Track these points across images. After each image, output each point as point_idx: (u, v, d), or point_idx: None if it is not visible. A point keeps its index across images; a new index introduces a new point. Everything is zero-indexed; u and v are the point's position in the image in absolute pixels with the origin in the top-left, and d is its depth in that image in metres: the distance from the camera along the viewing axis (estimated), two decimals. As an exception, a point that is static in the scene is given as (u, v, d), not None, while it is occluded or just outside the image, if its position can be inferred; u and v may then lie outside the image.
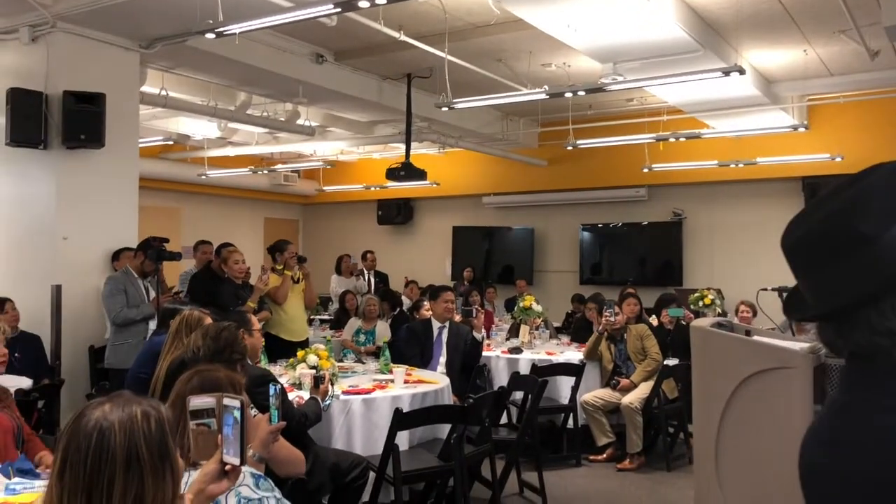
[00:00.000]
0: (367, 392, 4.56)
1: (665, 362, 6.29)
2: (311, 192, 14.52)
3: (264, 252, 8.59)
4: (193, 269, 7.28)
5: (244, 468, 1.87)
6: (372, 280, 10.48)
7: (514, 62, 7.94)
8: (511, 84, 7.83)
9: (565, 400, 6.18)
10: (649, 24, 5.79)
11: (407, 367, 5.37)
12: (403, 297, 9.24)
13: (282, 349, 5.77)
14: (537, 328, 7.74)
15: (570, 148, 9.63)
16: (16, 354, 4.99)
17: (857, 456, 0.95)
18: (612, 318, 6.32)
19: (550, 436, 6.35)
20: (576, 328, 7.95)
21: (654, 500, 5.37)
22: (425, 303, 6.68)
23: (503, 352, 6.85)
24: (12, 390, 3.84)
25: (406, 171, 9.02)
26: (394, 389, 4.72)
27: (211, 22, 5.09)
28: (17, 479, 2.72)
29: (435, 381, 5.02)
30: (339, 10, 4.86)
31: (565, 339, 7.99)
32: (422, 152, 11.50)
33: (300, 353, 4.78)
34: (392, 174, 9.15)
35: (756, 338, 4.13)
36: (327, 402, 4.10)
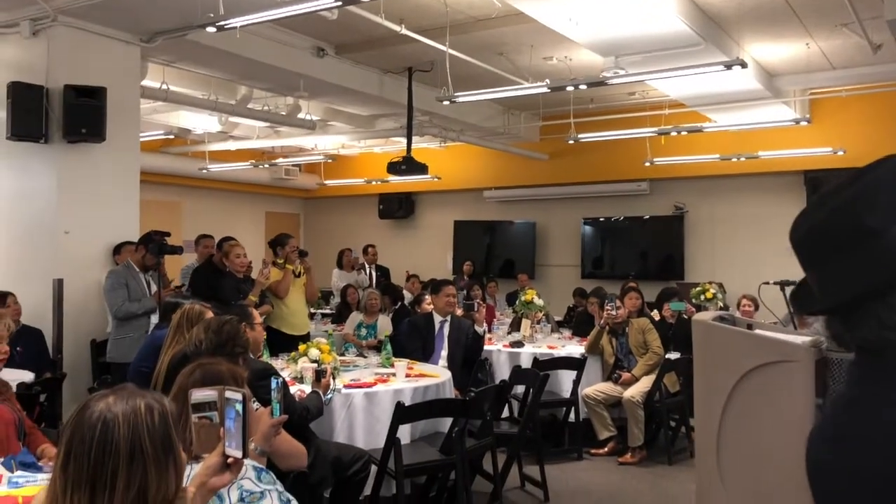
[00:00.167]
0: (369, 386, 4.56)
1: (666, 356, 6.30)
2: (312, 186, 14.51)
3: (265, 246, 8.60)
4: (195, 263, 7.28)
5: (246, 461, 1.87)
6: (373, 274, 10.48)
7: (516, 56, 7.92)
8: (512, 78, 7.82)
9: (567, 394, 6.19)
10: (651, 18, 5.78)
11: (408, 360, 5.37)
12: (405, 291, 9.23)
13: (283, 343, 5.78)
14: (539, 322, 7.73)
15: (571, 142, 9.62)
16: (17, 348, 4.99)
17: (865, 451, 0.94)
18: (614, 312, 6.32)
19: (552, 429, 6.36)
20: (577, 322, 7.95)
21: (655, 494, 5.38)
22: (427, 297, 6.68)
23: (505, 346, 6.86)
24: (14, 384, 3.85)
25: (407, 165, 9.01)
26: (395, 383, 4.72)
27: (212, 16, 5.08)
28: (19, 473, 2.73)
29: (436, 375, 5.03)
30: (340, 3, 4.86)
31: (567, 332, 8.00)
32: (423, 146, 11.48)
33: (302, 347, 4.78)
34: (393, 168, 9.14)
35: (758, 331, 4.12)
36: (329, 396, 4.10)
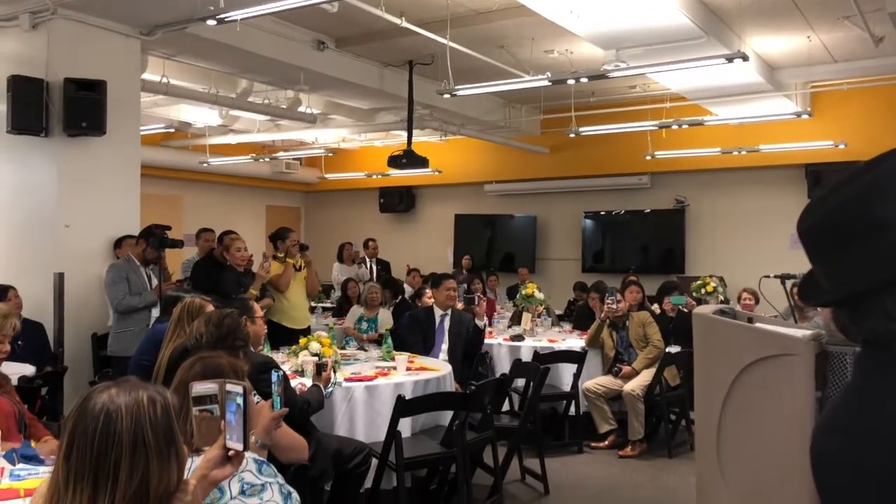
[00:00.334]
0: (370, 379, 4.57)
1: (667, 350, 6.30)
2: (312, 180, 14.51)
3: (266, 240, 8.60)
4: (196, 256, 7.28)
5: (247, 454, 1.88)
6: (374, 268, 10.48)
7: (517, 49, 7.91)
8: (513, 71, 7.80)
9: (567, 387, 6.20)
10: (652, 11, 5.76)
11: (409, 354, 5.37)
12: (405, 285, 9.24)
13: (284, 336, 5.78)
14: (539, 316, 7.74)
15: (572, 135, 9.61)
16: (19, 342, 4.99)
17: (869, 443, 0.94)
18: (614, 306, 6.32)
19: (552, 423, 6.37)
20: (578, 316, 7.95)
21: (655, 487, 5.39)
22: (427, 290, 6.68)
23: (505, 339, 6.86)
24: (15, 378, 3.86)
25: (408, 158, 9.00)
26: (396, 377, 4.72)
27: (212, 9, 5.07)
28: (21, 465, 2.73)
29: (437, 369, 5.03)
30: (340, -4, 4.84)
31: (567, 326, 8.00)
32: (424, 140, 11.47)
33: (303, 341, 4.78)
34: (394, 162, 9.13)
35: (758, 325, 4.13)
36: (330, 390, 4.11)
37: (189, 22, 5.96)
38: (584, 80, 6.93)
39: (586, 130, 9.55)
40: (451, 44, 6.59)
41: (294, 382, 4.17)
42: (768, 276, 4.24)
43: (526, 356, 6.27)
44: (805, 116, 9.00)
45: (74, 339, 5.89)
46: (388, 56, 8.24)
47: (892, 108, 9.18)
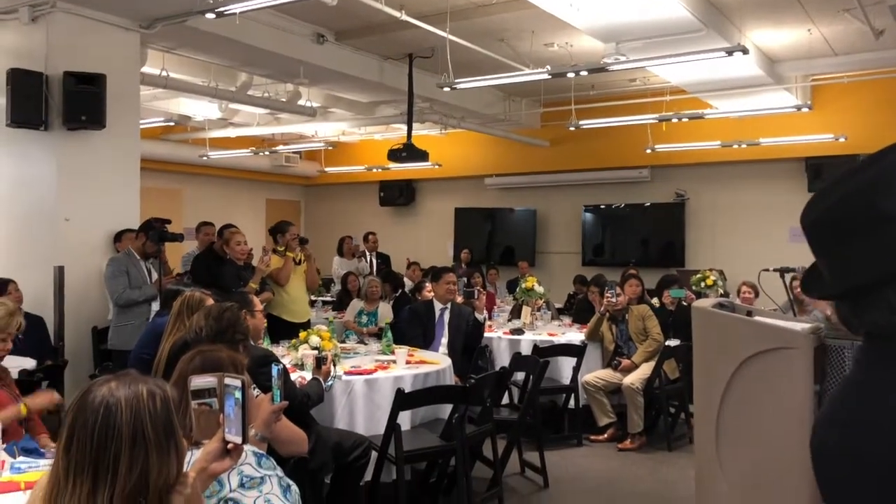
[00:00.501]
0: (370, 373, 4.58)
1: (666, 343, 6.31)
2: (312, 174, 14.50)
3: (266, 233, 8.60)
4: (196, 250, 7.28)
5: (246, 447, 1.88)
6: (374, 261, 10.49)
7: (517, 42, 7.89)
8: (513, 64, 7.79)
9: (567, 380, 6.21)
10: (652, 3, 5.75)
11: (409, 347, 5.38)
12: (405, 279, 9.24)
13: (284, 330, 5.79)
14: (539, 309, 7.75)
15: (572, 129, 9.59)
16: (19, 336, 4.99)
17: (871, 436, 0.93)
18: (614, 299, 6.33)
19: (552, 416, 6.38)
20: (577, 309, 7.96)
21: (654, 480, 5.41)
22: (427, 284, 6.69)
23: (505, 333, 6.87)
24: (15, 371, 3.87)
25: (408, 152, 9.00)
26: (396, 370, 4.73)
27: (211, 1, 5.07)
28: (21, 458, 2.74)
29: (437, 362, 5.04)
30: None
31: (567, 320, 8.01)
32: (423, 133, 11.46)
33: (303, 334, 4.79)
34: (394, 155, 9.12)
35: (757, 318, 4.13)
36: (330, 383, 4.12)
37: (188, 15, 5.95)
38: (583, 73, 6.92)
39: (586, 124, 9.53)
40: (451, 37, 6.58)
41: (294, 376, 4.18)
42: (767, 270, 4.25)
43: (525, 349, 6.28)
44: (805, 110, 8.99)
45: (74, 333, 5.89)
46: (387, 49, 8.22)
47: (892, 102, 9.17)
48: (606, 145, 11.15)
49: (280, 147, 13.04)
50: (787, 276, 4.24)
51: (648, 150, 10.33)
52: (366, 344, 5.94)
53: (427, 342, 5.89)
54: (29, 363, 4.75)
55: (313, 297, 8.12)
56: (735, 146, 9.89)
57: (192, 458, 1.84)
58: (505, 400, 5.69)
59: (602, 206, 11.99)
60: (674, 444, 6.11)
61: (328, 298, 9.64)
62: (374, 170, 13.00)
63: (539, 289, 7.67)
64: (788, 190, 10.30)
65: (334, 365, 4.26)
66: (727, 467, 3.86)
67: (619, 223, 11.97)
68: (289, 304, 6.33)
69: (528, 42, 7.77)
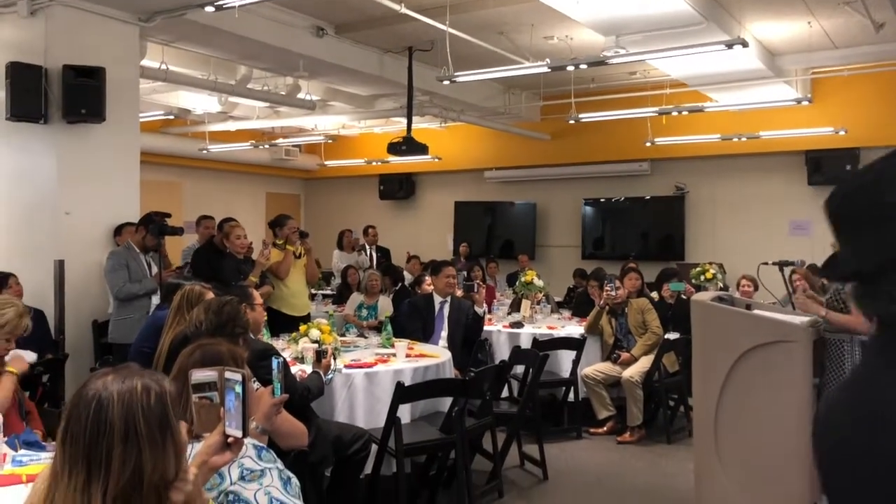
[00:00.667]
0: (370, 366, 4.59)
1: (666, 336, 6.32)
2: (312, 167, 14.49)
3: (266, 227, 8.60)
4: (196, 243, 7.29)
5: (247, 440, 1.89)
6: (374, 255, 10.49)
7: (516, 35, 7.88)
8: (513, 57, 7.77)
9: (566, 374, 6.22)
10: (652, -3, 5.74)
11: (409, 341, 5.39)
12: (405, 272, 9.25)
13: (284, 324, 5.79)
14: (539, 303, 7.76)
15: (572, 122, 9.58)
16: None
17: (875, 427, 0.94)
18: (613, 293, 6.33)
19: (551, 409, 6.40)
20: (577, 303, 7.97)
21: (654, 473, 5.42)
22: (427, 278, 6.69)
23: (504, 326, 6.88)
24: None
25: (407, 145, 8.98)
26: (396, 363, 4.74)
27: (210, -5, 5.05)
28: (23, 451, 2.75)
29: (436, 355, 5.05)
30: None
31: (567, 313, 8.02)
32: (423, 126, 11.45)
33: (303, 328, 4.80)
34: (393, 148, 9.11)
35: (756, 312, 4.14)
36: (330, 376, 4.13)
37: (187, 8, 5.94)
38: (583, 66, 6.91)
39: (586, 117, 9.53)
40: (451, 30, 6.57)
41: (294, 369, 4.19)
42: (767, 264, 4.26)
43: (525, 343, 6.29)
44: (805, 103, 8.98)
45: (75, 327, 5.90)
46: (387, 42, 8.21)
47: (892, 95, 9.15)
48: (606, 138, 11.14)
49: (280, 140, 13.03)
50: (787, 270, 4.25)
51: (648, 144, 10.32)
52: (366, 337, 5.95)
53: (427, 336, 5.90)
54: (30, 356, 4.75)
55: (313, 291, 8.14)
56: (735, 139, 9.89)
57: (193, 452, 1.85)
58: (504, 393, 5.70)
59: (602, 200, 11.99)
60: (673, 437, 6.13)
61: (328, 292, 9.65)
62: (374, 163, 12.99)
63: (539, 282, 7.67)
64: (788, 183, 10.31)
65: (334, 358, 4.28)
66: (726, 460, 3.88)
67: (618, 216, 11.97)
68: (289, 298, 6.34)
69: (528, 35, 7.76)
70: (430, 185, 13.83)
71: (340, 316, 7.31)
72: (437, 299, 6.09)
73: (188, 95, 9.88)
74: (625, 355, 6.25)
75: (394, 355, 4.92)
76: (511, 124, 11.28)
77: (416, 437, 4.24)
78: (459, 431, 4.23)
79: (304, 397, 3.68)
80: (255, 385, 2.76)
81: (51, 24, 5.82)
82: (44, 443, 2.91)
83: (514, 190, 12.80)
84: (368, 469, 4.11)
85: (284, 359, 3.31)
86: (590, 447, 6.00)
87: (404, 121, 9.17)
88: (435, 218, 13.51)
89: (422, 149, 9.14)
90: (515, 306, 7.70)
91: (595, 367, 6.25)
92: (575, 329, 6.80)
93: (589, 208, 12.08)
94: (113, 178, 6.18)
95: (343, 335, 5.83)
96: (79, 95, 5.72)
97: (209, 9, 5.20)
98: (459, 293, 6.32)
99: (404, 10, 6.25)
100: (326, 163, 14.02)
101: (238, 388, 1.80)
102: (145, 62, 7.10)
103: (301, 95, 9.25)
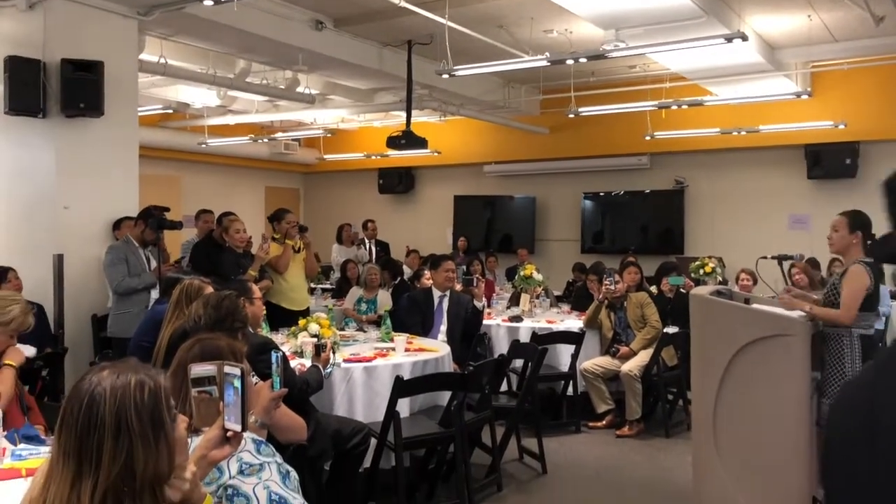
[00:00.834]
0: (369, 360, 4.59)
1: (665, 330, 6.32)
2: (311, 161, 14.47)
3: (265, 221, 8.60)
4: (195, 238, 7.28)
5: (246, 434, 1.89)
6: (373, 249, 10.49)
7: (516, 29, 7.86)
8: (512, 51, 7.76)
9: (565, 367, 6.23)
10: (652, -10, 5.73)
11: (408, 335, 5.40)
12: (405, 266, 9.25)
13: (283, 318, 5.80)
14: (538, 297, 7.76)
15: (571, 116, 9.57)
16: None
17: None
18: (613, 287, 6.34)
19: (550, 403, 6.41)
20: (576, 297, 7.98)
21: (652, 466, 5.43)
22: (426, 272, 6.70)
23: (504, 320, 6.88)
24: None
25: (407, 139, 8.98)
26: (395, 357, 4.75)
27: (208, -12, 5.04)
28: (23, 445, 2.76)
29: (436, 350, 5.06)
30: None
31: (566, 307, 8.03)
32: (423, 120, 11.44)
33: (302, 322, 4.80)
34: (393, 142, 9.10)
35: (755, 306, 4.15)
36: (329, 370, 4.13)
37: (186, 2, 5.92)
38: (583, 60, 6.89)
39: (586, 111, 9.51)
40: (450, 23, 6.55)
41: (293, 363, 4.20)
42: (765, 258, 4.26)
43: (524, 337, 6.30)
44: (805, 96, 8.96)
45: (74, 321, 5.90)
46: (386, 36, 8.19)
47: (892, 88, 9.13)
48: (606, 132, 11.13)
49: (279, 134, 13.02)
50: (786, 264, 4.25)
51: (648, 138, 10.31)
52: (365, 331, 5.96)
53: (426, 330, 5.91)
54: (30, 351, 4.75)
55: (312, 285, 8.13)
56: (735, 133, 9.88)
57: (193, 446, 1.85)
58: (503, 387, 5.71)
59: (601, 194, 11.98)
60: (671, 431, 6.14)
61: (327, 286, 9.65)
62: (373, 157, 12.97)
63: (538, 276, 7.68)
64: (788, 177, 10.30)
65: (333, 352, 4.28)
66: (724, 453, 3.89)
67: (618, 210, 11.96)
68: (288, 292, 6.34)
69: (528, 29, 7.74)
70: (430, 179, 13.82)
71: (339, 310, 7.31)
72: (437, 293, 6.10)
73: (187, 89, 9.86)
74: (624, 349, 6.26)
75: (393, 349, 4.92)
76: (510, 118, 11.26)
77: (415, 430, 4.25)
78: (458, 425, 4.24)
79: (303, 391, 3.69)
80: (255, 379, 2.77)
81: (49, 18, 5.80)
82: (44, 437, 2.91)
83: (514, 184, 12.79)
84: (367, 463, 4.12)
85: (283, 353, 3.32)
86: (588, 441, 6.01)
87: (403, 115, 9.17)
88: (434, 212, 13.51)
89: (421, 143, 9.13)
90: (514, 300, 7.71)
91: (594, 361, 6.26)
92: (574, 323, 6.81)
93: (588, 202, 12.08)
94: (112, 173, 6.18)
95: (342, 329, 5.84)
96: (77, 89, 5.71)
97: (208, 2, 5.19)
98: (458, 287, 6.32)
99: (403, 4, 6.23)
100: (325, 157, 14.00)
101: (237, 383, 1.81)
102: (144, 56, 7.08)
103: (300, 89, 9.24)
